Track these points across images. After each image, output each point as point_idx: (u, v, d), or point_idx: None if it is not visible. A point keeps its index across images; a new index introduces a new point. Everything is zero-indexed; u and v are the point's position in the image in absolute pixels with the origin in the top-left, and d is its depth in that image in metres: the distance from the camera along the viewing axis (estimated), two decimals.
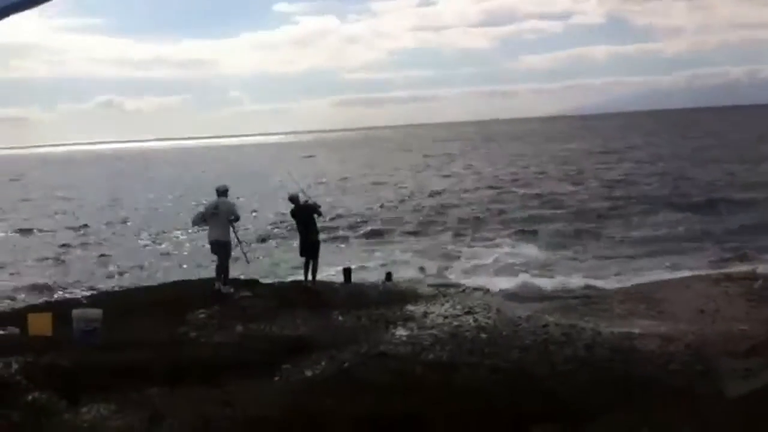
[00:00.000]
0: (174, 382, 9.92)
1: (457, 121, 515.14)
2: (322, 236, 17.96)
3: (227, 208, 16.09)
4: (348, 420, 8.77)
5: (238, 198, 17.16)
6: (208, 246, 16.32)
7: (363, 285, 18.45)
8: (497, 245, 24.83)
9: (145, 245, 31.24)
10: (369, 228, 31.84)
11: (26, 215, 45.58)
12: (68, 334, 12.11)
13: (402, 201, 41.24)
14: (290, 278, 19.75)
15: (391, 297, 16.46)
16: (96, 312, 12.51)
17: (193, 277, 19.52)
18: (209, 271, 19.49)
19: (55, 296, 19.41)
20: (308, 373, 10.78)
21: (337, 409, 8.97)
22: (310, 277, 17.00)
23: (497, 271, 20.89)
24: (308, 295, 16.13)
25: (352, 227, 32.16)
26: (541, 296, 17.35)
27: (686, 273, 19.62)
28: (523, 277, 19.44)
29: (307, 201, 17.19)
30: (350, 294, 16.69)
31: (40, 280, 23.76)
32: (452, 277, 19.98)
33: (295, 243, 18.19)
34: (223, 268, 16.13)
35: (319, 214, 17.48)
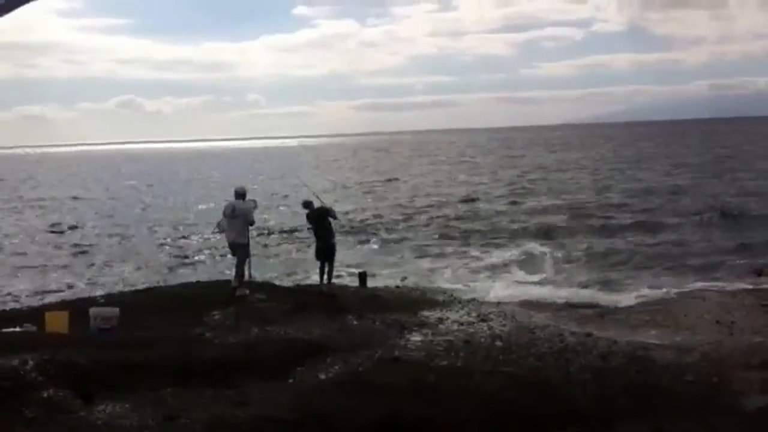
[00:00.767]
0: (188, 382, 9.99)
1: (475, 127, 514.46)
2: (338, 238, 17.98)
3: (245, 210, 16.17)
4: (361, 423, 8.78)
5: (255, 201, 17.17)
6: (226, 248, 16.39)
7: (378, 289, 18.48)
8: (511, 253, 24.71)
9: (162, 244, 31.37)
10: (385, 233, 31.84)
11: (42, 213, 45.90)
12: (84, 332, 12.22)
13: (419, 207, 41.20)
14: (306, 281, 19.78)
15: (405, 302, 16.49)
16: (113, 310, 12.66)
17: (210, 278, 19.62)
18: (226, 273, 19.56)
19: (73, 295, 19.50)
20: (322, 376, 10.83)
21: (350, 413, 8.98)
22: (325, 280, 17.04)
23: (511, 279, 20.80)
24: (323, 299, 16.19)
25: (369, 231, 32.17)
26: (556, 306, 17.26)
27: (702, 284, 19.47)
28: (538, 287, 19.35)
29: (322, 205, 17.24)
30: (365, 298, 16.73)
31: (58, 279, 23.90)
32: (466, 284, 19.90)
33: (311, 246, 18.20)
34: (239, 269, 16.23)
35: (334, 218, 17.53)
